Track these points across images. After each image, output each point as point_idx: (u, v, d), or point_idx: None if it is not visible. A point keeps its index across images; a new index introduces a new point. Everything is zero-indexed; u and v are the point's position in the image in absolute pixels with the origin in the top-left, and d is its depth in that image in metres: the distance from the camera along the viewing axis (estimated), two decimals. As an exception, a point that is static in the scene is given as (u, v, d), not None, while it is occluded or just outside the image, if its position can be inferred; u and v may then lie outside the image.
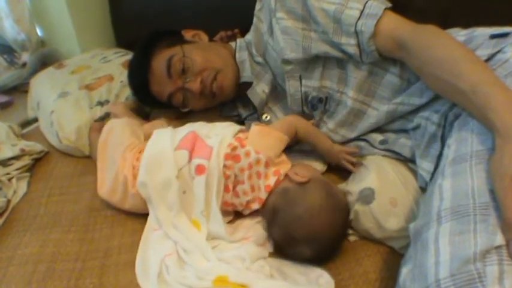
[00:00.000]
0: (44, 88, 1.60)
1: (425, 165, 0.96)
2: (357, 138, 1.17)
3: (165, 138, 1.07)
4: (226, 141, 1.03)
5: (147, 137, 1.17)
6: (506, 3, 1.26)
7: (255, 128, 1.07)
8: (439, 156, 0.90)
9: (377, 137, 1.13)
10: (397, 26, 0.96)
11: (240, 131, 1.10)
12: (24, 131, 1.63)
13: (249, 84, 1.24)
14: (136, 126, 1.25)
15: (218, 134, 1.06)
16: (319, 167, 1.20)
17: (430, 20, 0.96)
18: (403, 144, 1.07)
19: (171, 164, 1.02)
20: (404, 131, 1.08)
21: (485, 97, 0.73)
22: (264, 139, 1.05)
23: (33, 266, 1.02)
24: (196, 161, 1.02)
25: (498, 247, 0.60)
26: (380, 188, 0.98)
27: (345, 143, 1.18)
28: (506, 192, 0.62)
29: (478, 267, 0.59)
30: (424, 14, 1.03)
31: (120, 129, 1.19)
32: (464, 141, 0.77)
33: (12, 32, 1.96)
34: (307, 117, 1.21)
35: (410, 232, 0.77)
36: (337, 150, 1.15)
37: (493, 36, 0.92)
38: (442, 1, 1.35)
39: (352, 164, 1.12)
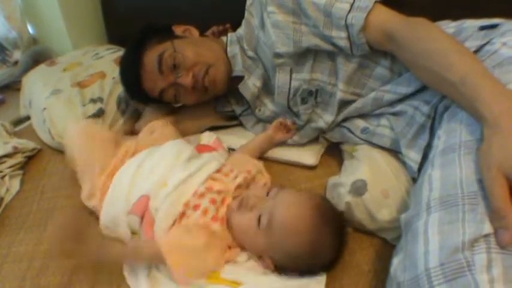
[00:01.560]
0: (36, 86, 1.60)
1: (412, 155, 0.96)
2: (340, 125, 1.18)
3: (120, 198, 1.03)
4: (169, 221, 0.95)
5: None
6: None
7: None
8: (427, 146, 0.91)
9: (360, 124, 1.14)
10: (387, 18, 0.97)
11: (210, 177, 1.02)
12: (17, 129, 1.62)
13: (240, 79, 1.25)
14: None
15: (162, 209, 0.96)
16: (311, 160, 1.20)
17: (426, 13, 0.97)
18: (382, 134, 1.07)
19: (125, 226, 1.01)
20: (386, 115, 1.09)
21: (474, 88, 0.74)
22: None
23: (27, 263, 1.03)
24: (144, 235, 0.99)
25: (486, 235, 0.60)
26: (372, 179, 0.98)
27: (329, 127, 1.19)
28: (494, 182, 0.62)
29: (467, 255, 0.59)
30: (420, 8, 1.03)
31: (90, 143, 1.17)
32: (453, 132, 0.78)
33: (3, 29, 1.94)
34: (291, 113, 1.22)
35: (401, 223, 0.78)
36: (272, 132, 1.22)
37: (482, 28, 0.93)
38: None
39: (288, 130, 1.22)
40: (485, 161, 0.66)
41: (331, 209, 0.93)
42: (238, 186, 1.01)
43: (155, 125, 1.31)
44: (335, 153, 1.23)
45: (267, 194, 0.94)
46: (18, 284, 0.97)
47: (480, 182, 0.66)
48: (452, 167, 0.71)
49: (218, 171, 1.04)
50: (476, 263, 0.59)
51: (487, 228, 0.61)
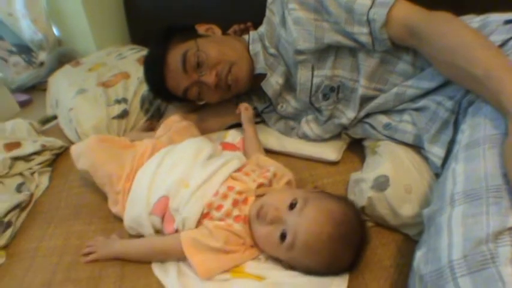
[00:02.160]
0: (62, 86, 1.64)
1: (435, 151, 0.97)
2: (362, 121, 1.18)
3: (141, 199, 1.05)
4: (193, 221, 0.97)
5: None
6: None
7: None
8: (451, 142, 0.91)
9: (382, 120, 1.14)
10: (410, 13, 0.97)
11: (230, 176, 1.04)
12: (44, 127, 1.66)
13: (263, 76, 1.26)
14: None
15: (185, 211, 0.98)
16: (333, 156, 1.21)
17: (445, 7, 0.96)
18: (405, 130, 1.08)
19: (148, 226, 1.03)
20: (408, 111, 1.09)
21: (498, 82, 0.74)
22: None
23: (58, 257, 1.06)
24: (166, 232, 1.02)
25: (511, 228, 0.61)
26: (394, 175, 0.99)
27: (351, 123, 1.20)
28: None
29: (491, 248, 0.60)
30: (443, 2, 1.03)
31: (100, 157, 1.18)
32: (478, 127, 0.78)
33: (29, 32, 1.98)
34: (313, 109, 1.23)
35: (424, 217, 0.79)
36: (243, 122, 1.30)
37: (507, 22, 0.93)
38: None
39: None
40: (509, 154, 0.66)
41: (355, 219, 0.90)
42: (260, 185, 1.01)
43: (171, 121, 1.34)
44: (357, 149, 1.24)
45: (290, 206, 0.90)
46: (49, 277, 1.00)
47: (505, 175, 0.66)
48: (476, 161, 0.72)
49: (239, 170, 1.06)
50: (501, 256, 0.59)
51: None
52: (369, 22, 1.00)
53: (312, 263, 0.88)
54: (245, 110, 1.31)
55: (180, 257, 0.96)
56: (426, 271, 0.68)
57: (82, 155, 1.19)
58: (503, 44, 0.88)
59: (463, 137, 0.81)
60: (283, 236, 0.87)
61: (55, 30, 2.08)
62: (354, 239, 0.88)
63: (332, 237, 0.84)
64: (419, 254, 0.73)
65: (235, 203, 0.96)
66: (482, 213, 0.64)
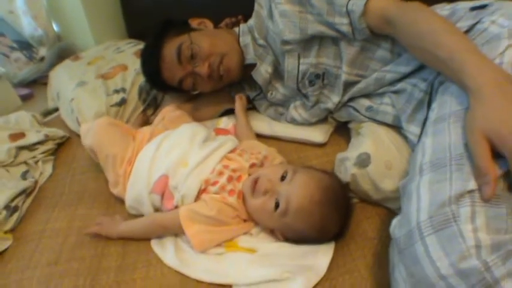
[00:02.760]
0: (63, 79, 1.68)
1: (412, 129, 1.03)
2: (346, 105, 1.25)
3: (142, 178, 1.11)
4: (191, 197, 1.03)
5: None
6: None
7: None
8: (425, 120, 0.96)
9: (364, 103, 1.20)
10: (385, 4, 1.02)
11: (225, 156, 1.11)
12: (46, 119, 1.71)
13: (253, 66, 1.32)
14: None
15: (184, 188, 1.04)
16: (320, 138, 1.28)
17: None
18: (385, 111, 1.14)
19: (148, 204, 1.09)
20: (388, 94, 1.15)
21: (461, 63, 0.79)
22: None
23: (63, 238, 1.11)
24: (166, 209, 1.08)
25: (471, 191, 0.67)
26: (375, 152, 1.05)
27: (336, 107, 1.26)
28: (477, 144, 0.69)
29: (453, 208, 0.67)
30: None
31: (107, 137, 1.24)
32: (445, 104, 0.84)
33: (30, 28, 2.02)
34: (301, 95, 1.30)
35: (400, 188, 0.85)
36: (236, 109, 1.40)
37: (473, 9, 0.98)
38: None
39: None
40: (469, 125, 0.72)
41: (340, 188, 0.99)
42: (253, 165, 1.08)
43: (165, 111, 1.42)
44: (343, 132, 1.31)
45: (281, 178, 0.97)
46: (55, 256, 1.06)
47: (466, 145, 0.72)
48: (442, 134, 0.79)
49: (233, 151, 1.12)
50: (462, 215, 0.66)
51: (472, 184, 0.68)
52: (348, 13, 1.05)
53: (304, 226, 0.94)
54: (239, 100, 1.39)
55: (178, 231, 1.02)
56: (400, 234, 0.74)
57: (91, 132, 1.25)
58: (469, 30, 0.94)
59: (432, 114, 0.87)
60: (277, 205, 0.94)
61: (55, 27, 2.13)
62: (341, 203, 0.96)
63: (321, 201, 0.92)
64: (394, 221, 0.79)
65: (229, 179, 1.03)
66: (446, 179, 0.71)
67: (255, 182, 0.99)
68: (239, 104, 1.39)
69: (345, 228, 0.98)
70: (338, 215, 0.95)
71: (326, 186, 0.94)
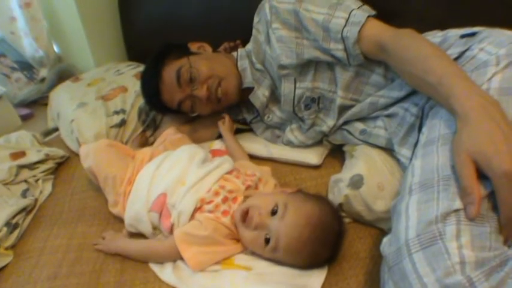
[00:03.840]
0: (63, 100, 1.71)
1: (403, 152, 1.07)
2: (341, 128, 1.28)
3: (141, 197, 1.13)
4: (187, 215, 1.05)
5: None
6: (501, 7, 1.33)
7: None
8: (416, 143, 0.98)
9: (358, 126, 1.23)
10: (379, 31, 1.06)
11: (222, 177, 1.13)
12: (46, 139, 1.73)
13: (250, 89, 1.35)
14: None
15: (181, 205, 1.06)
16: (315, 160, 1.31)
17: (427, 26, 1.08)
18: (378, 135, 1.18)
19: (147, 222, 1.11)
20: (381, 117, 1.18)
21: (449, 87, 0.83)
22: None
23: (62, 254, 1.13)
24: (163, 227, 1.10)
25: (456, 210, 0.70)
26: (368, 174, 1.08)
27: (331, 130, 1.29)
28: (463, 165, 0.72)
29: (439, 227, 0.70)
30: (421, 20, 1.13)
31: (106, 158, 1.27)
32: (434, 127, 0.88)
33: (31, 49, 2.05)
34: (297, 118, 1.33)
35: (391, 208, 0.88)
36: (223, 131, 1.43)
37: (463, 36, 1.02)
38: (437, 7, 1.43)
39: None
40: (456, 148, 0.76)
41: (331, 218, 0.98)
42: (248, 187, 1.11)
43: (166, 134, 1.45)
44: (338, 155, 1.34)
45: (272, 212, 0.97)
46: (55, 271, 1.08)
47: (453, 167, 0.76)
48: (431, 156, 0.82)
49: (230, 172, 1.15)
50: (447, 233, 0.69)
51: (458, 204, 0.71)
52: (343, 39, 1.09)
53: (294, 261, 0.97)
54: (222, 124, 1.43)
55: (175, 259, 1.04)
56: (389, 251, 0.77)
57: (90, 154, 1.27)
58: (459, 56, 0.98)
59: (422, 137, 0.91)
60: (267, 241, 0.96)
61: (55, 48, 2.15)
62: (330, 238, 0.96)
63: (310, 239, 0.93)
64: (385, 240, 0.82)
65: (225, 200, 1.05)
66: (433, 199, 0.74)
67: (246, 213, 1.00)
68: (222, 127, 1.43)
69: (337, 253, 1.00)
70: (327, 249, 0.96)
71: (316, 223, 0.94)
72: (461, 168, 0.73)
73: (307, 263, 0.97)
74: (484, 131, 0.73)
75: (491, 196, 0.71)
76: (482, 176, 0.71)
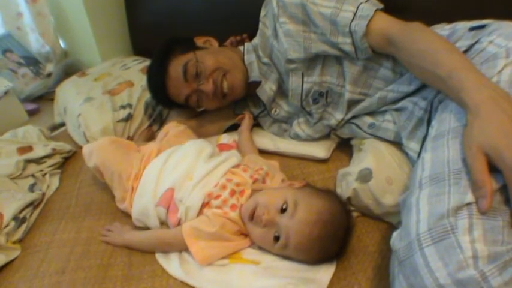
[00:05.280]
0: (70, 94, 1.71)
1: (412, 146, 1.06)
2: (349, 122, 1.27)
3: (148, 191, 1.13)
4: (195, 210, 1.05)
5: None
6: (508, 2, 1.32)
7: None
8: (425, 137, 0.99)
9: (367, 120, 1.23)
10: (387, 24, 1.06)
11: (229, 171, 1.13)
12: (53, 134, 1.73)
13: (258, 84, 1.35)
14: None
15: (188, 200, 1.07)
16: (323, 154, 1.30)
17: (425, 17, 1.05)
18: (386, 128, 1.17)
19: (154, 217, 1.11)
20: (390, 111, 1.18)
21: (459, 81, 0.82)
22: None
23: (70, 248, 1.13)
24: (171, 222, 1.09)
25: (468, 204, 0.70)
26: (377, 168, 1.08)
27: (338, 124, 1.29)
28: (474, 158, 0.72)
29: (451, 221, 0.69)
30: (427, 14, 1.12)
31: (111, 155, 1.27)
32: (444, 121, 0.87)
33: (37, 45, 2.07)
34: (304, 112, 1.33)
35: (400, 202, 0.87)
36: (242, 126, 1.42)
37: (472, 29, 1.02)
38: (442, 2, 1.43)
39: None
40: (467, 141, 0.75)
41: (340, 213, 0.97)
42: (256, 180, 1.11)
43: (169, 126, 1.44)
44: (345, 148, 1.33)
45: (281, 210, 0.96)
46: (62, 265, 1.08)
47: (464, 160, 0.75)
48: (441, 150, 0.81)
49: (237, 166, 1.15)
50: (459, 227, 0.68)
51: (469, 197, 0.70)
52: (351, 33, 1.09)
53: (303, 258, 0.97)
54: (248, 118, 1.42)
55: (182, 248, 1.03)
56: (400, 246, 0.76)
57: (93, 153, 1.27)
58: (468, 49, 0.97)
59: (432, 131, 0.90)
60: (276, 238, 0.96)
61: (62, 43, 2.17)
62: (339, 233, 0.95)
63: (320, 236, 0.92)
64: (395, 234, 0.81)
65: (232, 193, 1.05)
66: (444, 193, 0.73)
67: (253, 211, 0.99)
68: (246, 122, 1.42)
69: (345, 248, 0.99)
70: (336, 244, 0.96)
71: (326, 220, 0.94)
72: (473, 162, 0.72)
73: (317, 259, 0.97)
74: (495, 124, 0.73)
75: (504, 189, 0.70)
76: (493, 169, 0.70)
